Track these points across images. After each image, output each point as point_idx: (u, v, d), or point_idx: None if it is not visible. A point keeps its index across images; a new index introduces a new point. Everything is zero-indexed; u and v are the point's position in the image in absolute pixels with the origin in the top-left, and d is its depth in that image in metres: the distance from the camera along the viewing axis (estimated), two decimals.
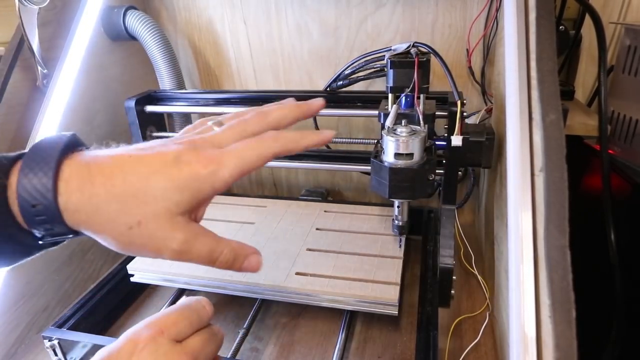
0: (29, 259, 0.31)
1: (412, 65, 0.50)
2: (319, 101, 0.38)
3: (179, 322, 0.32)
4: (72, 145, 0.30)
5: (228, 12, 0.79)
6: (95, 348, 0.51)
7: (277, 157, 0.33)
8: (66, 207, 0.28)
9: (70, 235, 0.30)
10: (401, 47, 0.51)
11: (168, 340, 0.30)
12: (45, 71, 0.64)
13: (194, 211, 0.32)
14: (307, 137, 0.35)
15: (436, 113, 0.55)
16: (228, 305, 0.62)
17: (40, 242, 0.30)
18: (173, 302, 0.62)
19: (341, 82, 0.63)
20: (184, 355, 0.30)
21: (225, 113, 0.38)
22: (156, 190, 0.29)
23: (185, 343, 0.31)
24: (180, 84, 0.77)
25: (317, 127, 0.74)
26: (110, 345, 0.30)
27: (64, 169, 0.28)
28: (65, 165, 0.28)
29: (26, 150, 0.29)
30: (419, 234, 0.71)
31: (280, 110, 0.36)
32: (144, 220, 0.29)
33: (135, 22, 0.72)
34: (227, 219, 0.71)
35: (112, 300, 0.61)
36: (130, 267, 0.62)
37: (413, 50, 0.51)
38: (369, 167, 0.53)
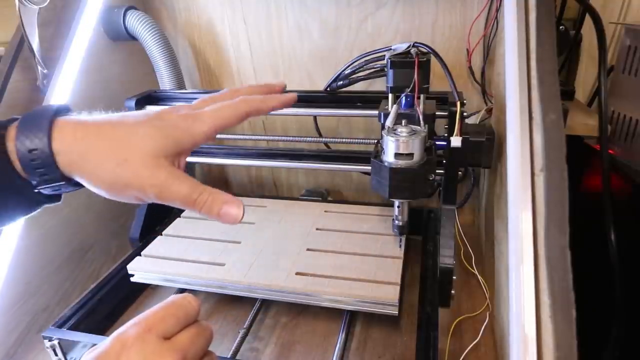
0: (29, 215, 0.34)
1: (412, 66, 0.50)
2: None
3: (166, 319, 0.32)
4: (65, 109, 0.34)
5: (228, 12, 0.79)
6: None
7: (249, 116, 0.38)
8: (59, 150, 0.31)
9: (63, 183, 0.33)
10: (401, 47, 0.51)
11: (156, 338, 0.30)
12: (45, 71, 0.64)
13: (176, 158, 0.35)
14: (272, 99, 0.41)
15: (436, 113, 0.55)
16: (228, 305, 0.62)
17: (37, 192, 0.33)
18: None
19: (341, 82, 0.63)
20: (173, 352, 0.30)
21: None
22: (142, 133, 0.33)
23: (174, 339, 0.31)
24: (180, 84, 0.77)
25: (317, 127, 0.74)
26: (98, 346, 0.30)
27: (58, 121, 0.32)
28: (60, 120, 0.32)
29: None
30: (419, 234, 0.71)
31: (250, 88, 0.42)
32: (131, 157, 0.32)
33: (135, 22, 0.72)
34: None
35: (112, 300, 0.61)
36: (131, 267, 0.62)
37: (413, 50, 0.51)
38: (369, 167, 0.53)
